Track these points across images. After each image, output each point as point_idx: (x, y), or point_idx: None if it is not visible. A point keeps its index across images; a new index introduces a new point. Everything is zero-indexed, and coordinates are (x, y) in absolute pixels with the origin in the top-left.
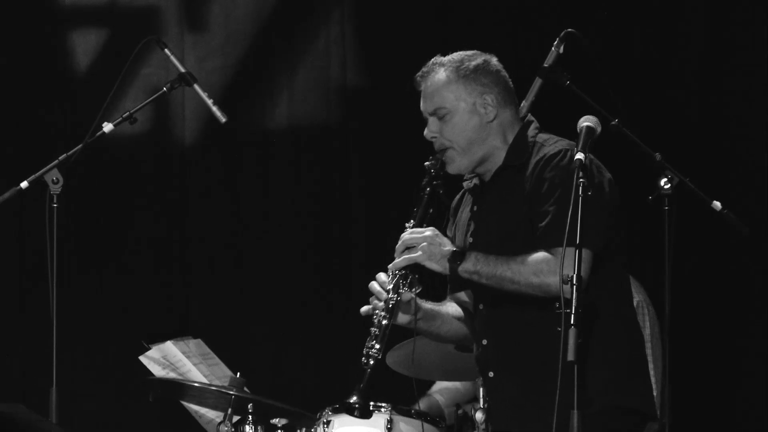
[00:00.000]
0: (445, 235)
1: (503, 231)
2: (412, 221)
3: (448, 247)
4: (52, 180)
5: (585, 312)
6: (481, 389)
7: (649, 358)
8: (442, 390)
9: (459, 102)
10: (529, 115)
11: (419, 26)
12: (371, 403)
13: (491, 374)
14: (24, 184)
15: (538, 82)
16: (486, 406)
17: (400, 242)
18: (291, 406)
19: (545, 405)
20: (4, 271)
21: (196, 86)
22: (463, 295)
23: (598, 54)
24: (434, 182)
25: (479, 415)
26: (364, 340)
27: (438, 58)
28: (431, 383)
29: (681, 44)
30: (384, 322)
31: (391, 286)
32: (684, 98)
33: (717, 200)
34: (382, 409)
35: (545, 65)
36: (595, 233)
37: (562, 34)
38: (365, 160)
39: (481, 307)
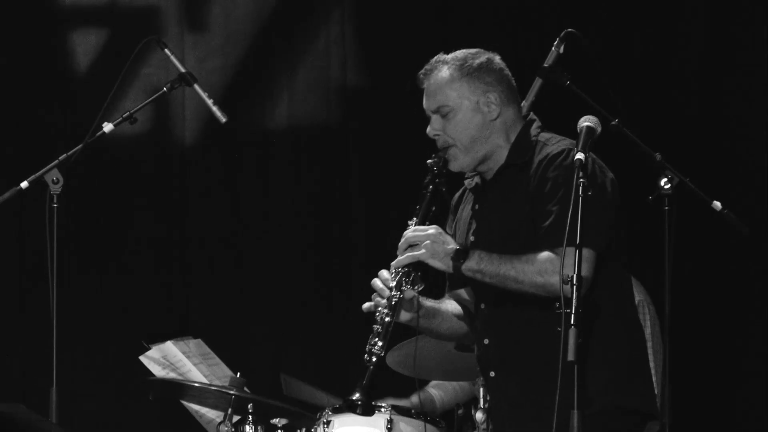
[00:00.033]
0: (448, 233)
1: (505, 230)
2: (414, 219)
3: (452, 245)
4: (52, 180)
5: (585, 312)
6: (481, 389)
7: (650, 357)
8: (438, 384)
9: (462, 100)
10: (532, 113)
11: (419, 26)
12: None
13: (492, 374)
14: (24, 184)
15: (538, 82)
16: (486, 406)
17: (403, 240)
18: (291, 406)
19: (547, 405)
20: (4, 271)
21: (196, 86)
22: (462, 293)
23: (598, 54)
24: (437, 180)
25: (479, 415)
26: (364, 340)
27: (441, 56)
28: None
29: (681, 44)
30: (387, 319)
31: (393, 284)
32: (684, 98)
33: (717, 200)
34: (383, 409)
35: (545, 65)
36: (597, 233)
37: (562, 34)
38: (365, 160)
39: (482, 306)
